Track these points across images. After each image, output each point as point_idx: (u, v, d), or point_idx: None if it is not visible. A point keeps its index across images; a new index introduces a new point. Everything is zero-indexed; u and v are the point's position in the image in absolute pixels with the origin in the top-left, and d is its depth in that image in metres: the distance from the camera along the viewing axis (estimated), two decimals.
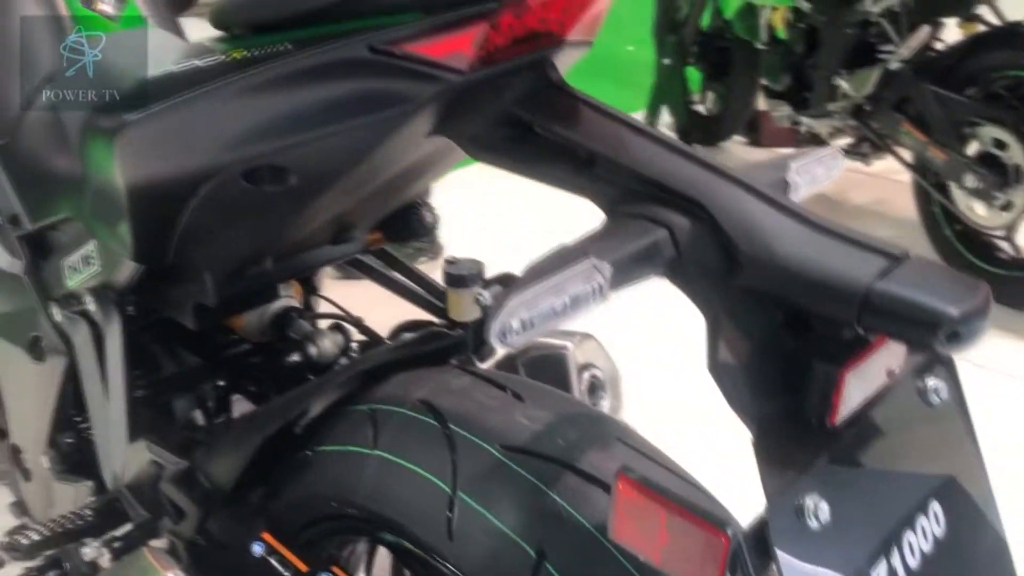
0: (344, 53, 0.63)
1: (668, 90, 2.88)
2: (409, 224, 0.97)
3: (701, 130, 2.93)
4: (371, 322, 1.06)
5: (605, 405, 1.00)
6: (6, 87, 0.98)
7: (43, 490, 1.08)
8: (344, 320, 1.05)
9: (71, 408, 0.99)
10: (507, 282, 0.94)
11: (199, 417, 1.00)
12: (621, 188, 0.63)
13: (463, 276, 0.91)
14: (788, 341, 0.58)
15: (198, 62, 0.66)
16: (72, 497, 1.02)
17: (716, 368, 0.58)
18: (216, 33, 0.71)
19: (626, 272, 0.57)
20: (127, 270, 0.83)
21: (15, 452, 1.11)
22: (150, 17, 1.04)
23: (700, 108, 2.95)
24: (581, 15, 0.70)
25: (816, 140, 2.42)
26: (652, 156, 0.63)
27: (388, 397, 0.76)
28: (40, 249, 0.98)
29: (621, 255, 0.57)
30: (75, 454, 1.01)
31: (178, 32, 1.08)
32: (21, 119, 0.97)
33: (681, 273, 0.61)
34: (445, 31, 0.61)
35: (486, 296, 0.93)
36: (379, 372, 0.81)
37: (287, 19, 0.65)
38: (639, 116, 2.69)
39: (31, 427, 1.05)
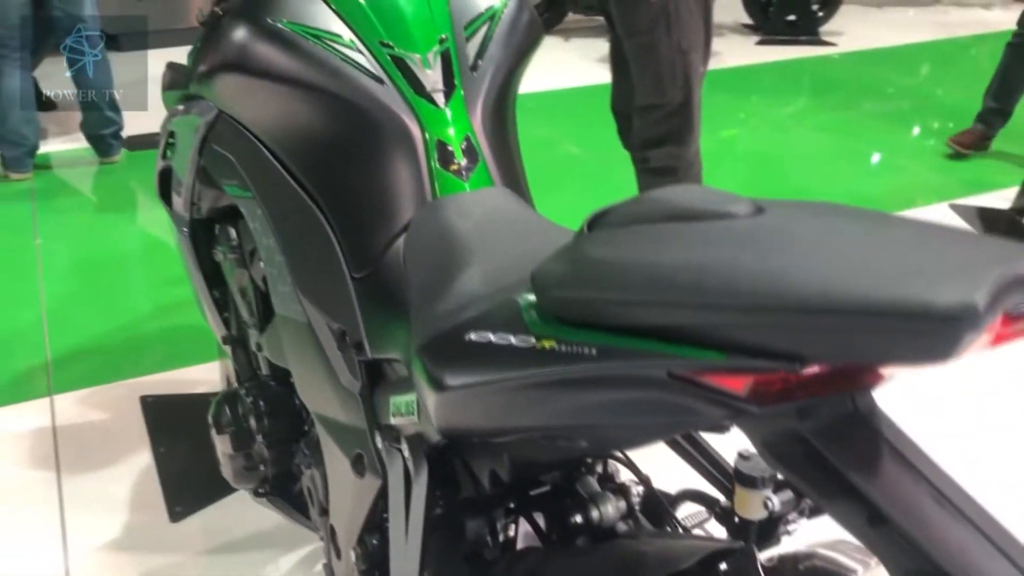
0: (643, 372, 0.65)
1: None
2: None
3: None
4: (655, 469, 1.09)
5: None
6: (370, 227, 1.12)
7: (349, 573, 1.22)
8: (631, 470, 1.09)
9: (381, 520, 1.12)
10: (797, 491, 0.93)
11: (487, 541, 1.08)
12: (911, 564, 0.61)
13: (754, 478, 0.91)
14: None
15: (513, 340, 0.72)
16: None
17: None
18: None
19: None
20: (438, 436, 0.92)
21: (332, 531, 1.27)
22: (496, 178, 1.14)
23: None
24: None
25: None
26: (951, 536, 0.60)
27: None
28: (375, 377, 1.11)
29: None
30: (378, 556, 1.13)
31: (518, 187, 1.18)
32: (379, 259, 1.10)
33: None
34: (747, 371, 0.61)
35: (775, 501, 0.93)
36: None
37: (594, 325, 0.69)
38: None
39: (345, 521, 1.20)
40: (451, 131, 1.13)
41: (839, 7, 6.45)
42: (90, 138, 4.00)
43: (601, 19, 5.91)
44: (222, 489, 1.85)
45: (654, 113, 2.47)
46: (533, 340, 0.71)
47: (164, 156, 1.55)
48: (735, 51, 5.93)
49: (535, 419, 0.73)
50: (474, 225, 1.05)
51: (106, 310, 2.81)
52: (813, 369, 0.59)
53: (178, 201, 1.52)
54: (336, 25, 1.17)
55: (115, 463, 2.15)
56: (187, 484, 2.03)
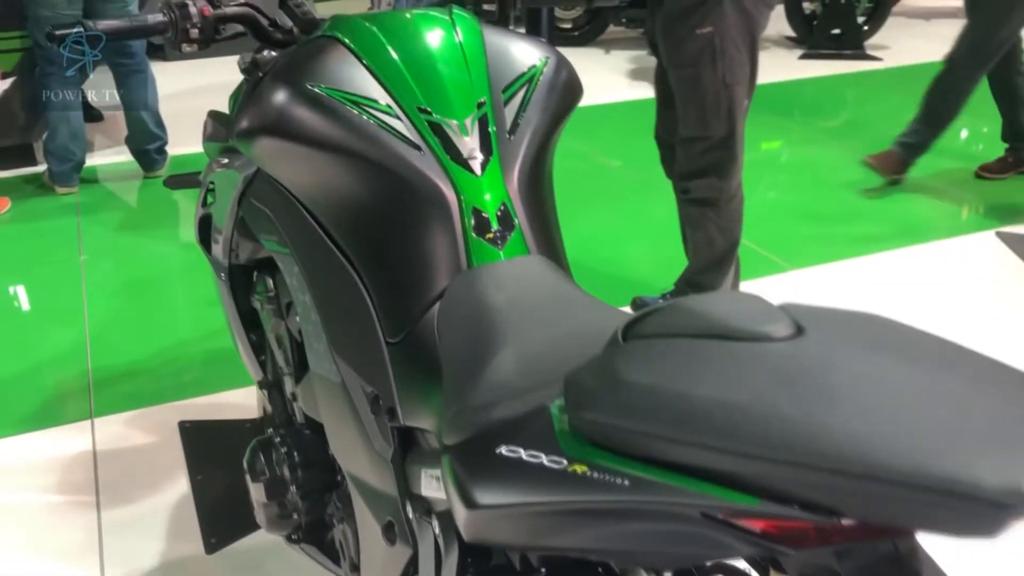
0: (677, 510, 0.65)
1: None
2: None
3: None
4: None
5: None
6: (405, 293, 1.12)
7: None
8: None
9: None
10: None
11: None
12: None
13: None
14: None
15: (545, 460, 0.72)
16: None
17: None
18: None
19: None
20: None
21: None
22: (532, 245, 1.13)
23: None
24: None
25: None
26: None
27: None
28: (408, 444, 1.12)
29: None
30: None
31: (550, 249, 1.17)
32: (414, 326, 1.10)
33: None
34: (782, 518, 0.60)
35: None
36: None
37: (627, 454, 0.68)
38: None
39: None
40: (487, 197, 1.13)
41: (885, 20, 6.36)
42: (135, 152, 4.06)
43: (642, 31, 5.90)
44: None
45: (697, 145, 2.46)
46: (565, 463, 0.71)
47: (204, 204, 1.57)
48: (777, 65, 5.87)
49: (566, 541, 0.73)
50: (508, 299, 1.05)
51: (148, 330, 2.85)
52: (851, 521, 0.58)
53: (217, 248, 1.53)
54: (375, 90, 1.18)
55: (153, 489, 2.18)
56: (223, 514, 2.05)
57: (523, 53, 1.28)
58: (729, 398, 0.61)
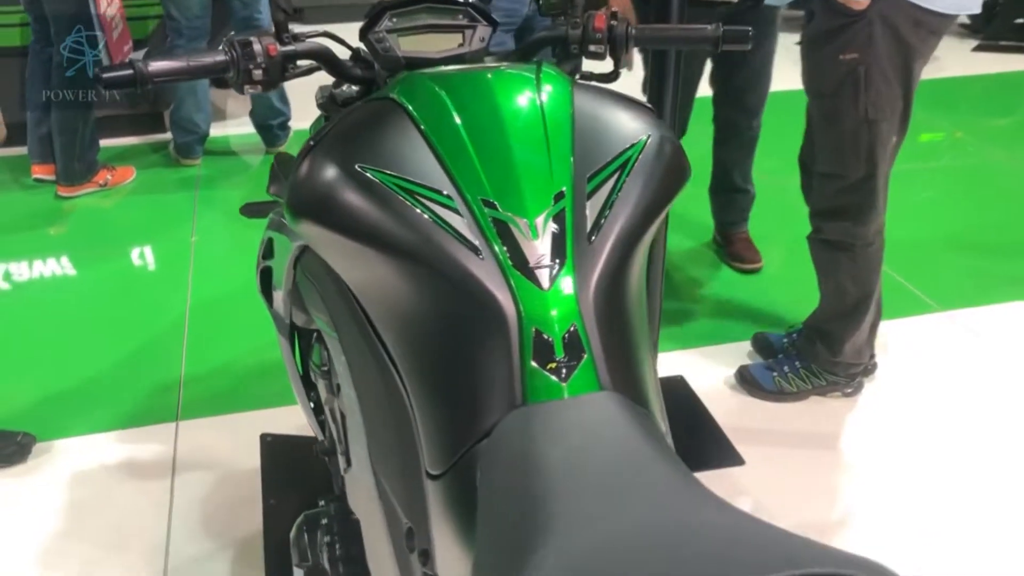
0: None
1: None
2: None
3: None
4: None
5: None
6: (450, 421, 0.95)
7: None
8: None
9: None
10: None
11: None
12: None
13: None
14: None
15: None
16: None
17: None
18: None
19: None
20: None
21: None
22: (605, 379, 0.94)
23: None
24: None
25: None
26: None
27: None
28: None
29: None
30: None
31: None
32: (457, 462, 0.93)
33: None
34: None
35: None
36: None
37: None
38: None
39: None
40: (553, 316, 0.94)
41: None
42: (258, 127, 4.03)
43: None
44: None
45: (832, 183, 2.18)
46: None
47: (264, 257, 1.44)
48: (946, 58, 5.32)
49: None
50: (563, 457, 0.86)
51: (247, 327, 2.78)
52: None
53: (278, 302, 1.40)
54: (435, 175, 1.00)
55: (227, 506, 2.11)
56: (288, 552, 1.96)
57: (619, 128, 1.07)
58: None
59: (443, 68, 1.19)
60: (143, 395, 2.50)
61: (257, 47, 1.21)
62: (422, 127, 1.03)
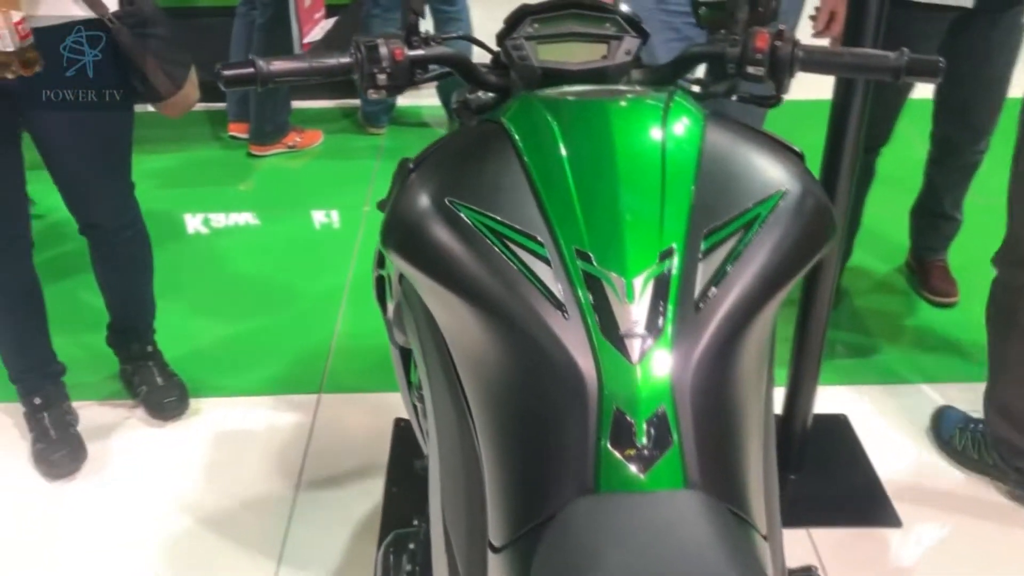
0: None
1: None
2: None
3: None
4: None
5: None
6: (518, 494, 0.86)
7: None
8: None
9: None
10: None
11: None
12: None
13: None
14: None
15: None
16: None
17: None
18: None
19: None
20: None
21: None
22: (695, 475, 0.81)
23: None
24: None
25: None
26: None
27: None
28: None
29: None
30: None
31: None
32: (518, 540, 0.84)
33: None
34: None
35: None
36: None
37: None
38: None
39: None
40: (639, 395, 0.82)
41: None
42: (445, 101, 4.03)
43: None
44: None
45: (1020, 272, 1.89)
46: None
47: (379, 265, 1.39)
48: None
49: None
50: (626, 562, 0.75)
51: None
52: None
53: (390, 312, 1.35)
54: (529, 216, 0.89)
55: (353, 483, 2.14)
56: None
57: (753, 176, 0.93)
58: None
59: (565, 89, 1.08)
60: (292, 362, 2.55)
61: (383, 50, 1.15)
62: (525, 159, 0.93)
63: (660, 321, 0.83)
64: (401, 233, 0.96)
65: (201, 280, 2.95)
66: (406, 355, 1.43)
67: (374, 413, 2.34)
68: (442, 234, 0.91)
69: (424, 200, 0.94)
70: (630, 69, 1.21)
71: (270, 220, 3.34)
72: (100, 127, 1.91)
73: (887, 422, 2.31)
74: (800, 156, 0.99)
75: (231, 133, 3.84)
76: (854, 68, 1.16)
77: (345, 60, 1.16)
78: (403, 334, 1.23)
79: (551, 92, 1.06)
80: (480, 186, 0.92)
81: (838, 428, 2.29)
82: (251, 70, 1.12)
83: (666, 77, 1.25)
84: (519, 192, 0.91)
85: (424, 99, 4.33)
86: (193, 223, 3.32)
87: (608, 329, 0.83)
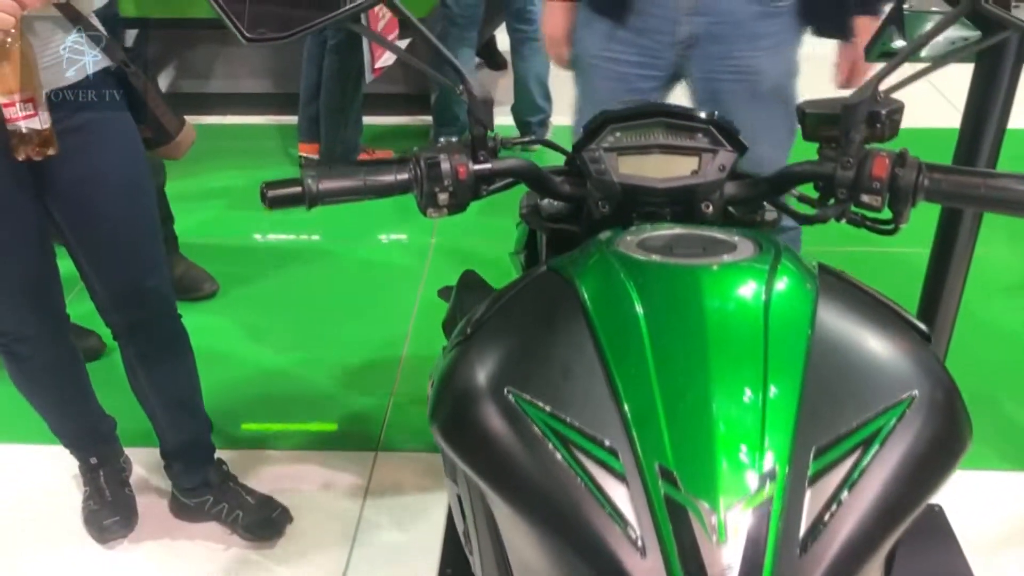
0: None
1: None
2: None
3: None
4: None
5: None
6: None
7: None
8: None
9: None
10: None
11: None
12: None
13: None
14: None
15: None
16: None
17: None
18: None
19: None
20: None
21: None
22: None
23: None
24: None
25: None
26: None
27: None
28: None
29: None
30: None
31: None
32: None
33: None
34: None
35: None
36: None
37: None
38: None
39: None
40: None
41: None
42: (518, 123, 3.90)
43: None
44: None
45: None
46: None
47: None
48: None
49: None
50: None
51: None
52: None
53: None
54: (601, 415, 0.76)
55: (408, 551, 2.03)
56: None
57: (876, 374, 0.78)
58: None
59: (649, 235, 0.94)
60: (350, 417, 2.46)
61: (446, 166, 1.03)
62: (599, 338, 0.80)
63: (757, 567, 0.69)
64: (451, 419, 0.84)
65: (259, 313, 2.88)
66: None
67: (433, 475, 2.24)
68: (498, 431, 0.78)
69: (479, 384, 0.82)
70: (722, 185, 1.07)
71: (332, 251, 3.24)
72: (125, 177, 1.70)
73: (986, 513, 2.12)
74: (927, 338, 0.83)
75: (301, 153, 3.77)
76: (993, 203, 0.99)
77: (403, 177, 1.04)
78: (453, 483, 1.11)
79: (632, 242, 0.92)
80: (544, 372, 0.79)
81: (929, 521, 2.10)
82: (298, 189, 1.01)
83: (765, 194, 1.11)
84: (590, 381, 0.78)
85: (499, 119, 4.20)
86: (259, 247, 3.26)
87: (693, 573, 0.69)
